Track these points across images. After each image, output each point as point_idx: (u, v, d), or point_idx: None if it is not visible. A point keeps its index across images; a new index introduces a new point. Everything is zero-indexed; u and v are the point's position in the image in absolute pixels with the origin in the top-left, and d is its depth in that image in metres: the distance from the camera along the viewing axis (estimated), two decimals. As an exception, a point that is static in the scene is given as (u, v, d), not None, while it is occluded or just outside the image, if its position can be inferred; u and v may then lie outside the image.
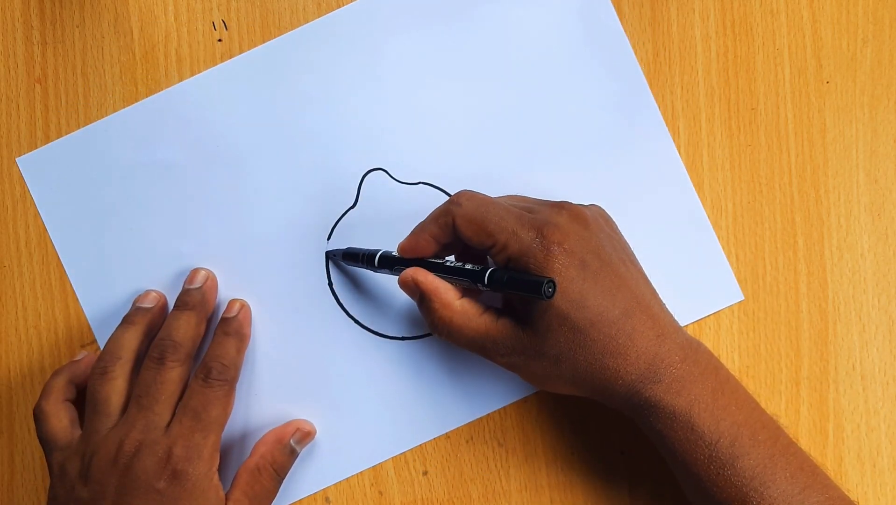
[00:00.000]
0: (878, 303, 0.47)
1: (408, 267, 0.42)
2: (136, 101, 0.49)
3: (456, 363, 0.48)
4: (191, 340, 0.45)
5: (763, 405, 0.47)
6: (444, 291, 0.41)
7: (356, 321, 0.47)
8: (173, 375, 0.43)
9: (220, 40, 0.49)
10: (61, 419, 0.44)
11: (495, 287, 0.39)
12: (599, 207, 0.44)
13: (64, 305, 0.49)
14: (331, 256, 0.47)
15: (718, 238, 0.47)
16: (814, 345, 0.47)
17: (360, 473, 0.48)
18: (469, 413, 0.47)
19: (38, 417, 0.44)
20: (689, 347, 0.40)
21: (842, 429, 0.47)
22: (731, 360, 0.47)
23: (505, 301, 0.44)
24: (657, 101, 0.48)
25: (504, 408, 0.48)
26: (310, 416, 0.47)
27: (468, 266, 0.41)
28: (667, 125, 0.48)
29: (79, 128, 0.49)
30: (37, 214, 0.49)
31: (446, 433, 0.48)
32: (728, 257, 0.47)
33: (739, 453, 0.38)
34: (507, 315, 0.41)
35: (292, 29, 0.48)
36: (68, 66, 0.49)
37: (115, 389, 0.43)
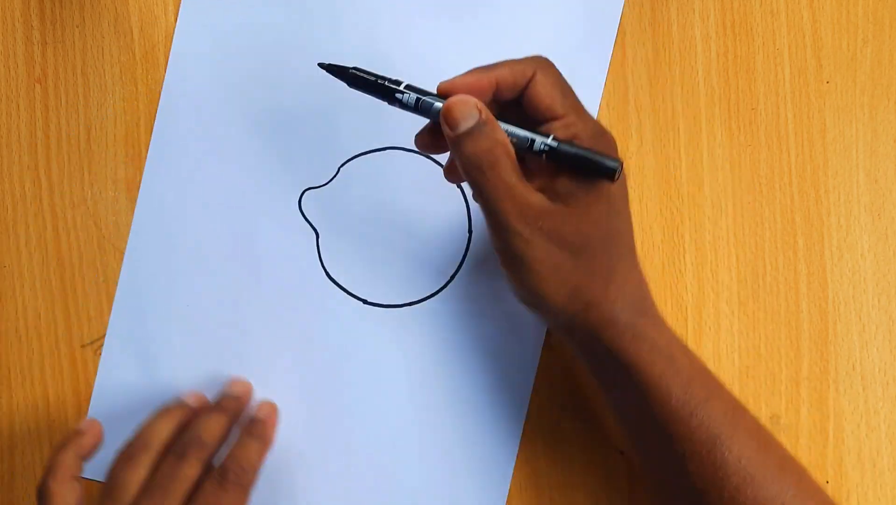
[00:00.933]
0: (878, 303, 0.47)
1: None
2: (137, 100, 0.49)
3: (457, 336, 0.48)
4: (217, 442, 0.44)
5: (763, 405, 0.47)
6: (503, 132, 0.38)
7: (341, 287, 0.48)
8: (191, 472, 0.42)
9: (220, 40, 0.49)
10: (67, 500, 0.42)
11: (557, 156, 0.37)
12: None
13: (64, 305, 0.49)
14: (328, 70, 0.41)
15: (718, 238, 0.47)
16: (814, 345, 0.47)
17: (360, 473, 0.48)
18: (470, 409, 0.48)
19: (44, 496, 0.42)
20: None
21: (842, 429, 0.47)
22: (731, 360, 0.47)
23: (537, 181, 0.40)
24: (657, 102, 0.48)
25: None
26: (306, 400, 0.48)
27: (529, 129, 0.38)
28: (667, 125, 0.48)
29: (79, 129, 0.49)
30: (37, 214, 0.49)
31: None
32: (728, 257, 0.47)
33: (711, 395, 0.39)
34: (540, 192, 0.39)
35: (292, 29, 0.48)
36: (68, 66, 0.49)
37: (137, 477, 0.42)
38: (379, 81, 0.39)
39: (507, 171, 0.38)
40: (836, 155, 0.48)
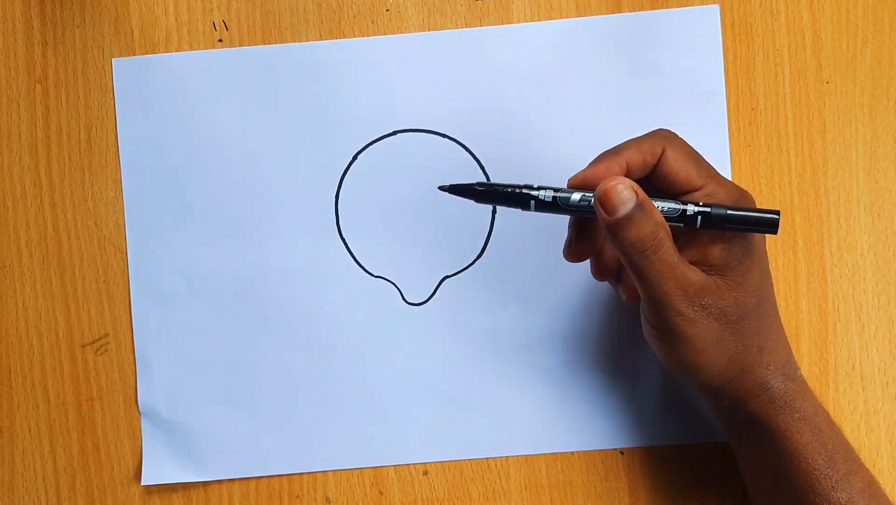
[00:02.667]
0: (878, 303, 0.47)
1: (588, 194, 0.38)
2: (137, 101, 0.49)
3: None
4: None
5: (763, 405, 0.47)
6: (658, 211, 0.37)
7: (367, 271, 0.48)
8: None
9: (220, 40, 0.49)
10: None
11: (711, 222, 0.37)
12: None
13: (64, 304, 0.49)
14: (451, 191, 0.40)
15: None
16: (814, 345, 0.47)
17: (361, 472, 0.48)
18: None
19: None
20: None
21: (842, 429, 0.47)
22: (731, 360, 0.47)
23: (690, 254, 0.39)
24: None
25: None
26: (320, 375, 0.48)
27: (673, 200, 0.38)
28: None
29: (80, 129, 0.49)
30: (38, 214, 0.49)
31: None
32: (728, 257, 0.47)
33: (852, 470, 0.39)
34: (695, 266, 0.39)
35: (293, 29, 0.48)
36: (68, 67, 0.49)
37: None
38: (514, 191, 0.38)
39: (670, 252, 0.37)
40: (836, 155, 0.48)
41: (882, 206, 0.47)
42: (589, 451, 0.47)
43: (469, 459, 0.48)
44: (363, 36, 0.48)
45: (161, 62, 0.48)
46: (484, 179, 0.48)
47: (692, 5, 0.47)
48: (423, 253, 0.48)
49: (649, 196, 0.37)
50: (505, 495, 0.48)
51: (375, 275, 0.48)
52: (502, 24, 0.48)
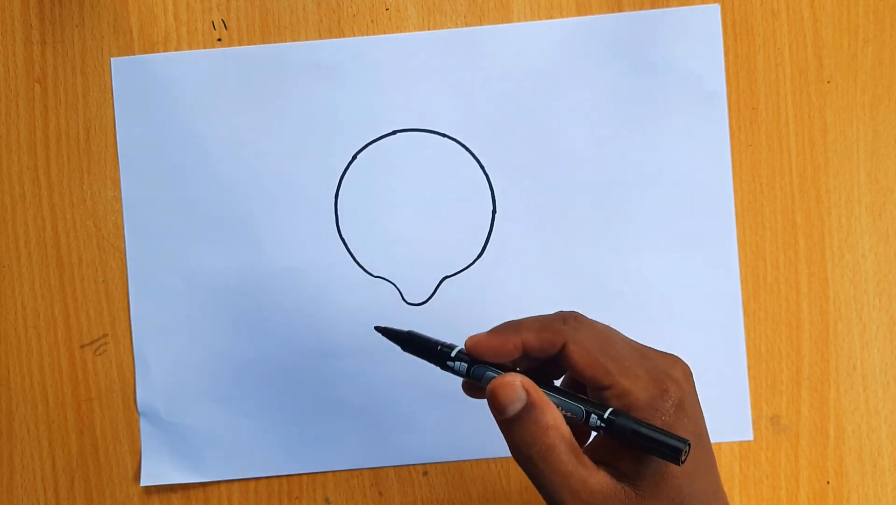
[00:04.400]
0: (879, 303, 0.47)
1: (503, 373, 0.36)
2: (136, 100, 0.49)
3: None
4: None
5: (763, 405, 0.47)
6: (556, 411, 0.35)
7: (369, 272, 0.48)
8: None
9: (219, 40, 0.48)
10: None
11: (614, 434, 0.34)
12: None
13: (63, 305, 0.49)
14: (383, 333, 0.40)
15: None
16: (814, 345, 0.47)
17: (361, 473, 0.48)
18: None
19: None
20: None
21: (842, 429, 0.47)
22: (732, 360, 0.47)
23: (600, 450, 0.37)
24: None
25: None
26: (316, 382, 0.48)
27: (582, 397, 0.35)
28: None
29: (79, 129, 0.48)
30: (36, 214, 0.49)
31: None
32: (729, 257, 0.47)
33: None
34: (604, 467, 0.35)
35: (292, 29, 0.48)
36: (68, 66, 0.49)
37: None
38: (435, 346, 0.38)
39: (562, 458, 0.34)
40: (837, 155, 0.47)
41: (883, 206, 0.47)
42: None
43: (469, 460, 0.48)
44: (363, 35, 0.48)
45: (160, 62, 0.48)
46: (484, 179, 0.48)
47: (693, 4, 0.47)
48: (423, 253, 0.48)
49: (565, 388, 0.36)
50: (505, 496, 0.48)
51: (375, 275, 0.48)
52: (502, 23, 0.48)
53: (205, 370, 0.48)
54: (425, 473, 0.48)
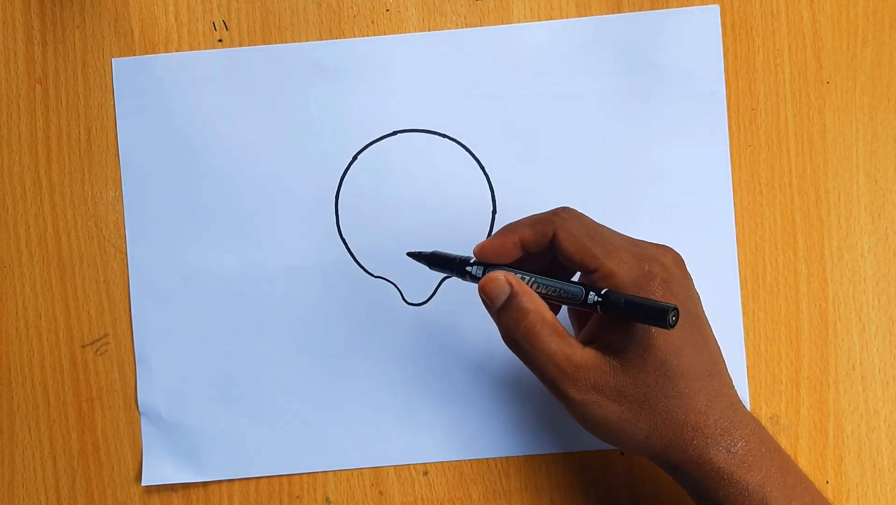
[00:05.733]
0: (878, 303, 0.47)
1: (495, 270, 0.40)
2: (137, 101, 0.49)
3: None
4: None
5: (763, 405, 0.47)
6: (538, 298, 0.38)
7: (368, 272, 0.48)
8: None
9: (220, 41, 0.49)
10: None
11: (608, 308, 0.37)
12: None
13: (64, 305, 0.49)
14: (412, 256, 0.44)
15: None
16: (814, 345, 0.47)
17: (361, 473, 0.48)
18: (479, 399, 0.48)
19: None
20: (756, 423, 0.39)
21: (842, 429, 0.47)
22: (731, 360, 0.47)
23: (592, 332, 0.40)
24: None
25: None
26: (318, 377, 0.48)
27: (571, 282, 0.38)
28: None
29: (80, 129, 0.49)
30: (38, 214, 0.49)
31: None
32: (728, 257, 0.48)
33: None
34: (593, 345, 0.38)
35: (293, 29, 0.48)
36: (68, 67, 0.49)
37: None
38: (455, 260, 0.42)
39: (544, 337, 0.38)
40: (836, 155, 0.48)
41: (882, 207, 0.47)
42: (589, 451, 0.47)
43: (469, 459, 0.48)
44: (363, 36, 0.48)
45: (161, 62, 0.48)
46: (484, 179, 0.48)
47: (692, 5, 0.47)
48: None
49: (562, 275, 0.39)
50: (505, 496, 0.48)
51: (375, 275, 0.48)
52: (502, 24, 0.48)
53: (206, 370, 0.48)
54: (425, 473, 0.48)
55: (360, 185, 0.48)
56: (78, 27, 0.49)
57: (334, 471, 0.48)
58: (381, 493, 0.48)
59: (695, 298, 0.39)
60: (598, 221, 0.40)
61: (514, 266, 0.40)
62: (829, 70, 0.48)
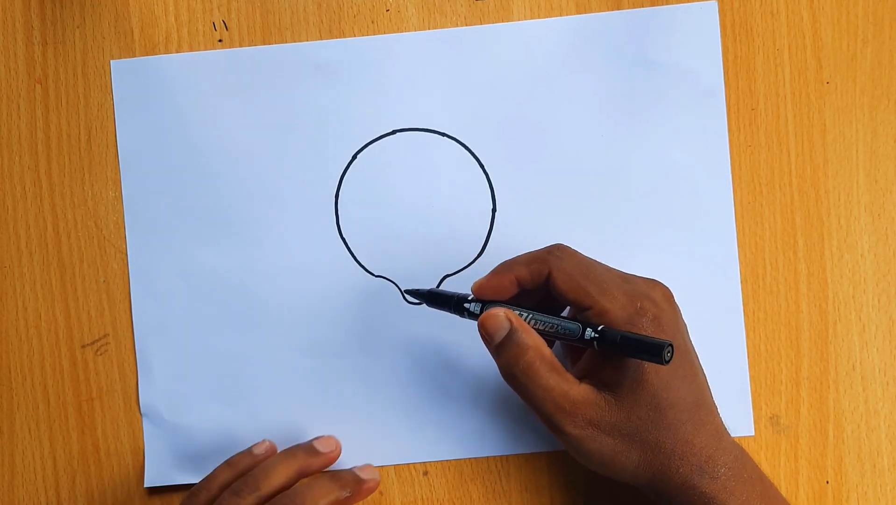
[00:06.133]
0: (879, 303, 0.47)
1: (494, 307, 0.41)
2: (137, 101, 0.49)
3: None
4: (273, 488, 0.44)
5: (763, 405, 0.47)
6: (536, 335, 0.40)
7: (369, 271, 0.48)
8: (243, 503, 0.43)
9: (220, 41, 0.49)
10: None
11: (605, 344, 0.38)
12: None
13: (64, 304, 0.49)
14: (410, 294, 0.47)
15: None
16: (814, 345, 0.47)
17: (361, 473, 0.48)
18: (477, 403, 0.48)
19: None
20: (739, 449, 0.41)
21: (842, 429, 0.47)
22: (731, 360, 0.47)
23: (586, 367, 0.41)
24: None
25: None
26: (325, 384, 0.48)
27: (567, 318, 0.40)
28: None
29: (80, 129, 0.49)
30: (38, 214, 0.49)
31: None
32: (728, 257, 0.48)
33: None
34: (587, 380, 0.40)
35: (293, 29, 0.48)
36: (69, 67, 0.49)
37: None
38: (452, 298, 0.43)
39: (542, 374, 0.39)
40: (836, 155, 0.48)
41: (882, 207, 0.47)
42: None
43: (469, 459, 0.48)
44: (363, 36, 0.48)
45: (159, 63, 0.48)
46: (484, 179, 0.48)
47: (690, 2, 0.47)
48: (423, 253, 0.48)
49: (552, 308, 0.41)
50: (505, 495, 0.48)
51: (376, 275, 0.48)
52: (502, 23, 0.48)
53: (206, 370, 0.48)
54: (425, 473, 0.48)
55: (360, 184, 0.48)
56: (78, 27, 0.49)
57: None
58: (381, 493, 0.48)
59: (683, 331, 0.41)
60: (591, 258, 0.41)
61: (510, 302, 0.41)
62: (829, 70, 0.48)
